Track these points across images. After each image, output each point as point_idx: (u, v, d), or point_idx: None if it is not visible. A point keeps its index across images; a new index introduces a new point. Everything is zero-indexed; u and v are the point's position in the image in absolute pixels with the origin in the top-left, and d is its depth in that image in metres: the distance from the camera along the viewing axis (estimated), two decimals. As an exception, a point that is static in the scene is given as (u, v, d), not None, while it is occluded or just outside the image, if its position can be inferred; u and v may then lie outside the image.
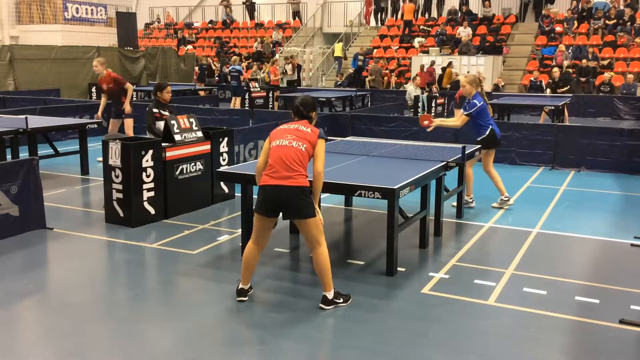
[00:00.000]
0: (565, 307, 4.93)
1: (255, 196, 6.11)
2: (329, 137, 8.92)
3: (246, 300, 4.97)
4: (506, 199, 8.02)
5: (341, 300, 4.90)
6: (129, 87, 10.70)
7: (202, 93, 20.75)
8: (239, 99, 19.31)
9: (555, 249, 6.54)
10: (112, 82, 10.58)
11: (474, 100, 7.73)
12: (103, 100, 11.10)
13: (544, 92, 19.44)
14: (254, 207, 4.88)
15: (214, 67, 25.68)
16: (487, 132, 7.75)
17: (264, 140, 11.01)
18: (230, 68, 21.23)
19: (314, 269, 4.89)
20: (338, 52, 25.93)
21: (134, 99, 18.50)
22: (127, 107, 10.52)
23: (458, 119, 7.95)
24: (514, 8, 26.21)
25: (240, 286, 5.00)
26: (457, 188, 7.55)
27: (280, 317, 4.70)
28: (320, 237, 4.79)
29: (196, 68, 24.98)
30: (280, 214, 4.80)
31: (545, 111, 15.32)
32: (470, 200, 7.93)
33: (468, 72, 22.12)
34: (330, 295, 4.84)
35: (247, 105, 18.35)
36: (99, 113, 10.98)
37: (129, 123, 10.57)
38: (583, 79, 20.67)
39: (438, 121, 7.99)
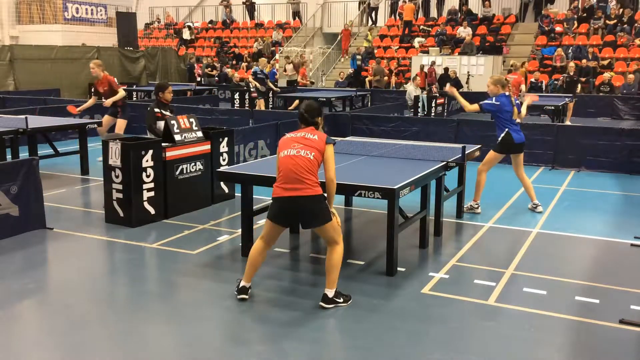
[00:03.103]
0: (565, 307, 4.93)
1: (255, 196, 6.14)
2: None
3: (247, 299, 4.97)
4: (534, 206, 7.94)
5: (342, 300, 4.90)
6: (121, 93, 10.53)
7: (189, 93, 20.47)
8: (262, 102, 18.78)
9: (555, 249, 6.53)
10: (107, 85, 10.45)
11: (493, 99, 7.62)
12: (91, 101, 11.16)
13: (543, 92, 19.37)
14: (267, 215, 4.89)
15: (215, 66, 25.72)
16: (503, 135, 7.66)
17: (264, 141, 11.07)
18: (256, 70, 20.21)
19: (325, 265, 4.88)
20: (365, 43, 25.99)
21: (134, 99, 18.58)
22: (109, 102, 10.38)
23: (475, 105, 7.77)
24: (514, 8, 26.20)
25: (242, 284, 4.99)
26: (457, 188, 7.55)
27: (280, 317, 4.70)
28: (338, 237, 4.86)
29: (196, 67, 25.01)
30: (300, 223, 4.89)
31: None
32: (477, 206, 7.83)
33: (468, 72, 22.16)
34: (331, 293, 4.85)
35: (247, 105, 18.35)
36: (80, 110, 10.98)
37: (120, 124, 10.48)
38: (583, 79, 20.67)
39: (459, 96, 8.04)
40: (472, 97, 20.77)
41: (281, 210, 4.78)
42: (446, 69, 21.77)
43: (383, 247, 5.82)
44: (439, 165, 6.40)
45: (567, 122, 15.44)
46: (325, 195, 4.81)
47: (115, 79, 11.10)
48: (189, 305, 4.95)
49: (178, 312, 4.82)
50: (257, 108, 17.72)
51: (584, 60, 21.21)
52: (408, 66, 24.21)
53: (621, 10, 23.19)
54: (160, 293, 5.29)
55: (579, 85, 16.61)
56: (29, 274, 5.61)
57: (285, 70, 22.73)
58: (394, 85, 23.82)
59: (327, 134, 5.03)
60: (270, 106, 18.65)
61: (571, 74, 16.20)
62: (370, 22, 28.45)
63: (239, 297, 4.97)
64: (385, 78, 23.45)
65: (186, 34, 30.81)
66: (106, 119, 10.68)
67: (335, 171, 4.82)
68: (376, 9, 28.12)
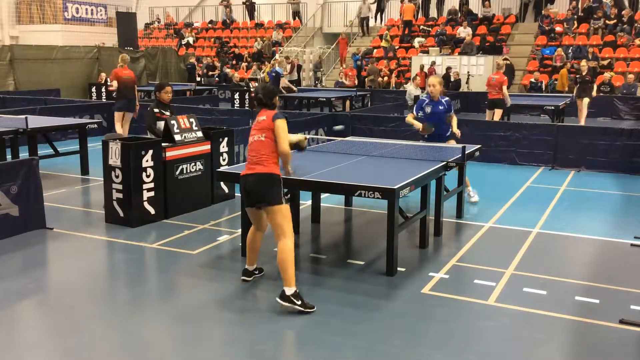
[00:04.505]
0: (565, 307, 4.93)
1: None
2: (330, 137, 8.93)
3: (249, 281, 5.27)
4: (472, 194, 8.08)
5: (299, 303, 4.74)
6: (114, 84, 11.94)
7: (188, 93, 20.57)
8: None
9: (555, 249, 6.54)
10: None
11: (447, 98, 7.82)
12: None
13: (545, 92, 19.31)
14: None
15: (215, 66, 25.72)
16: (451, 130, 7.87)
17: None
18: (277, 69, 19.96)
19: (277, 263, 4.85)
20: (384, 43, 25.94)
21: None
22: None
23: (452, 119, 7.87)
24: (514, 8, 26.19)
25: (245, 266, 5.35)
26: (457, 188, 7.55)
27: (280, 316, 4.70)
28: (287, 227, 4.88)
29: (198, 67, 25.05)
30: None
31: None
32: (473, 195, 7.93)
33: (468, 72, 22.15)
34: (289, 291, 4.75)
35: (247, 105, 18.36)
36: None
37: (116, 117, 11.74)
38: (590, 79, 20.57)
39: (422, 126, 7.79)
40: (472, 97, 20.75)
41: (242, 189, 5.11)
42: (448, 69, 21.77)
43: (383, 247, 5.82)
44: (439, 165, 6.40)
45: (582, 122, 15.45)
46: (281, 178, 4.98)
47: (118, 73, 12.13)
48: (188, 305, 4.95)
49: (177, 312, 4.81)
50: None
51: (584, 60, 21.16)
52: (408, 66, 24.19)
53: (616, 10, 23.15)
54: (160, 293, 5.29)
55: (594, 87, 16.49)
56: (29, 274, 5.61)
57: (285, 71, 22.72)
58: (393, 85, 23.82)
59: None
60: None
61: (584, 73, 16.03)
62: (361, 32, 28.30)
63: (241, 278, 5.31)
64: (386, 78, 23.42)
65: (187, 38, 30.80)
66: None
67: (287, 143, 5.00)
68: (367, 19, 27.98)
